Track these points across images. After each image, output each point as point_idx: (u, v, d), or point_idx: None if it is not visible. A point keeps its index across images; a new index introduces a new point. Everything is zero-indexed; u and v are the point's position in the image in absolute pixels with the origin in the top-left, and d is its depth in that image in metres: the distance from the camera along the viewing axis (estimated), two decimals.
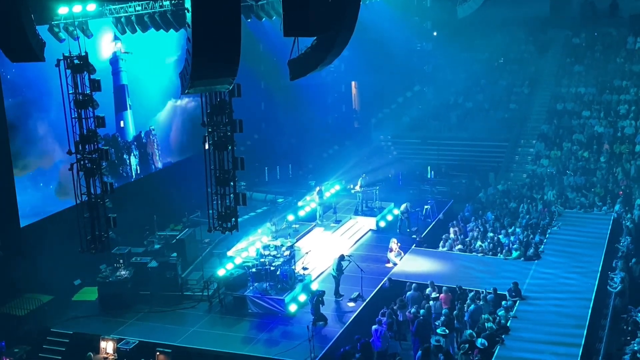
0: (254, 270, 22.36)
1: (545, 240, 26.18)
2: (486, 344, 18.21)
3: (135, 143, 27.73)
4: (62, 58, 17.54)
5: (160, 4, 21.01)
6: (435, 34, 40.21)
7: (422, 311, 20.10)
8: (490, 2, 36.15)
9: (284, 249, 22.96)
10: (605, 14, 41.04)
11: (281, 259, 22.44)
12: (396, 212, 28.64)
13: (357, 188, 29.55)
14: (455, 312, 20.36)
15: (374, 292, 22.65)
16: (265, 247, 23.22)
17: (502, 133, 36.45)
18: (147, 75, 27.82)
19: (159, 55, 27.98)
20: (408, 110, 39.62)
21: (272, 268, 22.15)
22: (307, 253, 24.93)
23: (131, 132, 27.54)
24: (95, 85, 17.79)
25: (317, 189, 29.18)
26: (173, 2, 20.93)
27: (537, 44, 40.99)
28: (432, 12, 39.18)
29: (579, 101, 36.92)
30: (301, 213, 29.31)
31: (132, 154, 27.58)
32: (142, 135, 28.19)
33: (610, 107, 35.76)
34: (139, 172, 27.95)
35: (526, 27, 41.44)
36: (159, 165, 29.18)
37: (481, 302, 20.77)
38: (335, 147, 38.50)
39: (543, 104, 37.98)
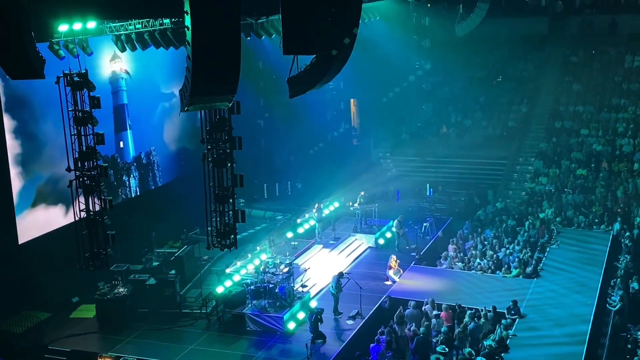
0: (252, 287, 22.31)
1: (544, 258, 26.15)
2: None
3: (135, 164, 27.57)
4: (62, 75, 17.60)
5: (161, 21, 21.13)
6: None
7: (422, 329, 20.03)
8: (488, 21, 36.28)
9: (282, 266, 22.95)
10: (603, 32, 41.20)
11: (280, 277, 22.40)
12: (394, 229, 28.59)
13: (356, 205, 29.57)
14: (458, 330, 20.29)
15: (373, 310, 22.59)
16: (264, 264, 23.22)
17: (500, 151, 36.50)
18: (147, 93, 27.81)
19: (158, 73, 28.01)
20: (407, 128, 39.74)
21: (270, 285, 22.11)
22: (306, 270, 24.88)
23: (131, 152, 27.42)
24: (95, 102, 17.83)
25: (316, 206, 29.17)
26: (173, 20, 21.05)
27: (536, 62, 41.17)
28: (430, 31, 39.37)
29: (577, 119, 37.01)
30: (300, 230, 29.29)
31: (132, 176, 27.38)
32: (142, 156, 28.04)
33: (609, 126, 35.85)
34: (138, 193, 27.83)
35: (524, 45, 41.61)
36: (159, 183, 29.11)
37: (481, 320, 20.71)
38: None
39: (541, 122, 38.06)
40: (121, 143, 26.79)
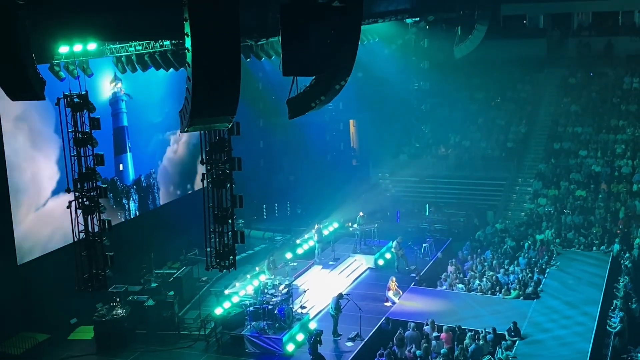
0: (251, 309, 22.23)
1: (544, 279, 26.09)
2: None
3: (134, 187, 27.50)
4: (62, 96, 17.65)
5: (161, 43, 21.19)
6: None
7: (418, 352, 19.93)
8: (486, 43, 36.50)
9: (282, 287, 22.88)
10: (600, 54, 41.48)
11: (279, 298, 22.33)
12: (394, 250, 28.52)
13: (356, 226, 29.53)
14: (456, 353, 20.19)
15: (372, 332, 22.50)
16: (263, 285, 23.13)
17: (499, 172, 36.56)
18: (147, 115, 27.81)
19: (158, 94, 28.05)
20: (406, 148, 39.85)
21: (269, 307, 22.03)
22: (305, 291, 24.80)
23: (131, 175, 27.33)
24: (95, 123, 17.85)
25: (316, 226, 29.12)
26: (173, 42, 21.12)
27: (534, 83, 41.37)
28: (429, 52, 39.63)
29: (576, 140, 37.13)
30: (299, 251, 29.22)
31: (132, 199, 27.28)
32: (142, 179, 27.98)
33: (607, 147, 35.96)
34: (137, 215, 27.75)
35: (523, 66, 41.84)
36: (158, 204, 29.03)
37: (481, 342, 20.62)
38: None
39: (540, 143, 38.20)
40: (121, 166, 26.69)
